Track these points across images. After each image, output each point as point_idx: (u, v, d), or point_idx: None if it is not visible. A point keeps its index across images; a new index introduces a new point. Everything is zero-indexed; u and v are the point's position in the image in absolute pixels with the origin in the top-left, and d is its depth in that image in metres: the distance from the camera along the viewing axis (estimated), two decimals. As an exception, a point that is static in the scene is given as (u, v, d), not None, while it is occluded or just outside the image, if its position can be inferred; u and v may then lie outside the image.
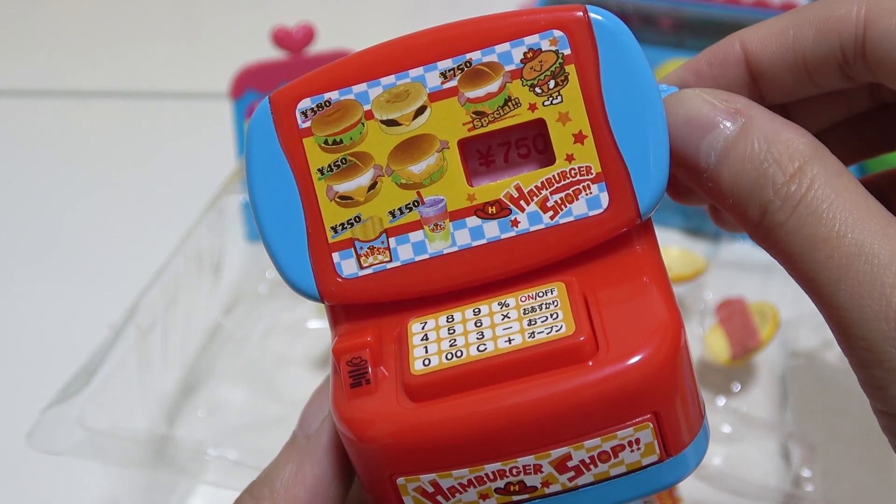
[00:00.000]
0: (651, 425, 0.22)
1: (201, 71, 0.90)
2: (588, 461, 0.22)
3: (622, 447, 0.22)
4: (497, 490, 0.23)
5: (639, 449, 0.22)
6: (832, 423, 0.48)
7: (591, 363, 0.22)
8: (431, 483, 0.23)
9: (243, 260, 0.62)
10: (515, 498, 0.23)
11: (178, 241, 0.53)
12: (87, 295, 0.62)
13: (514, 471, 0.22)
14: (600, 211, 0.24)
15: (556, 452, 0.22)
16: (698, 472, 0.43)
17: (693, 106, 0.24)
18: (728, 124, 0.23)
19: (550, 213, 0.24)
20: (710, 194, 0.24)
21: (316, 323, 0.57)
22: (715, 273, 0.56)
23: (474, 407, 0.22)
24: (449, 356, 0.23)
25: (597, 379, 0.22)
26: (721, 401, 0.51)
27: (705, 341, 0.52)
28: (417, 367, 0.23)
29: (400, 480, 0.23)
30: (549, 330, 0.23)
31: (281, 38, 0.60)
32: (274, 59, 0.61)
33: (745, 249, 0.60)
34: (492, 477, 0.23)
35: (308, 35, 0.61)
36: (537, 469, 0.22)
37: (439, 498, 0.23)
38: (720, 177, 0.23)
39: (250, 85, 0.61)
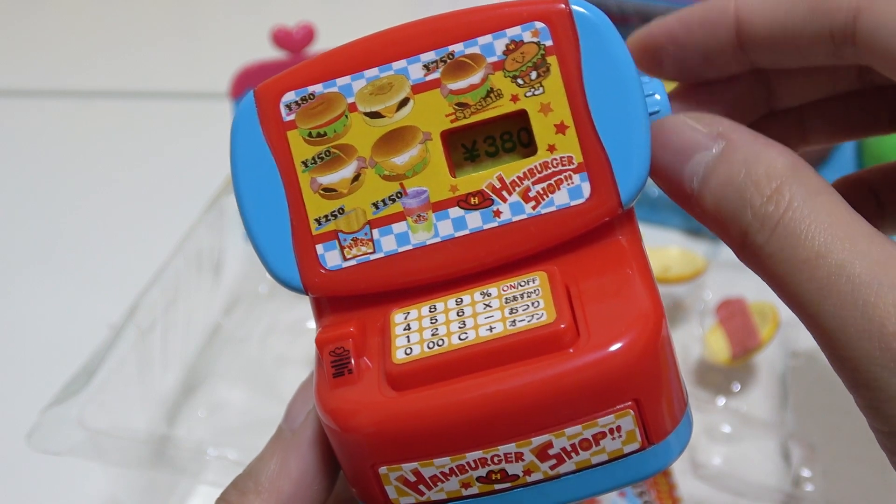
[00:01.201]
0: (632, 412, 0.22)
1: (201, 71, 0.90)
2: (569, 449, 0.22)
3: (603, 434, 0.22)
4: (479, 478, 0.23)
5: (620, 436, 0.22)
6: (832, 423, 0.48)
7: (571, 350, 0.22)
8: (413, 472, 0.23)
9: (243, 260, 0.62)
10: (497, 486, 0.23)
11: (178, 241, 0.53)
12: (87, 295, 0.62)
13: (496, 459, 0.22)
14: (582, 201, 0.24)
15: (538, 440, 0.22)
16: (698, 472, 0.43)
17: (676, 131, 0.24)
18: (710, 148, 0.23)
19: (533, 203, 0.25)
20: (698, 218, 0.24)
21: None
22: (715, 273, 0.56)
23: (456, 395, 0.22)
24: (430, 345, 0.23)
25: (578, 366, 0.22)
26: (721, 401, 0.51)
27: (705, 341, 0.52)
28: (399, 356, 0.23)
29: (382, 469, 0.23)
30: (531, 318, 0.23)
31: (281, 38, 0.61)
32: (274, 59, 0.61)
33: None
34: (473, 465, 0.23)
35: (308, 35, 0.61)
36: (519, 457, 0.22)
37: (421, 487, 0.23)
38: (703, 201, 0.23)
39: (250, 85, 0.61)
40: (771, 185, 0.22)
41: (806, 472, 0.44)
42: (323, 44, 0.62)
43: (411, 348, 0.23)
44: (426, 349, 0.23)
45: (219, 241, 0.58)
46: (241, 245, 0.63)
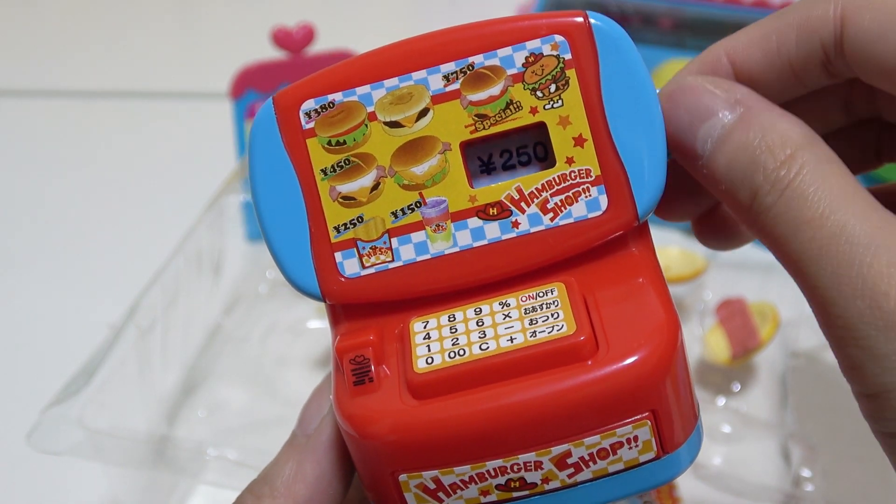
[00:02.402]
0: (649, 423, 0.22)
1: (201, 71, 0.90)
2: (587, 458, 0.23)
3: (621, 444, 0.23)
4: (498, 486, 0.23)
5: (637, 446, 0.23)
6: (832, 423, 0.48)
7: (590, 362, 0.22)
8: (433, 479, 0.23)
9: (243, 260, 0.62)
10: (516, 494, 0.23)
11: (178, 241, 0.53)
12: (87, 295, 0.62)
13: (515, 467, 0.23)
14: (599, 213, 0.25)
15: (557, 449, 0.22)
16: (698, 472, 0.43)
17: (694, 93, 0.25)
18: (726, 113, 0.24)
19: (550, 214, 0.25)
20: (704, 180, 0.25)
21: (316, 323, 0.57)
22: (715, 273, 0.56)
23: (477, 404, 0.22)
24: (451, 354, 0.23)
25: (597, 377, 0.22)
26: (721, 401, 0.51)
27: (705, 341, 0.52)
28: (420, 365, 0.23)
29: (402, 477, 0.23)
30: (551, 329, 0.23)
31: (281, 38, 0.61)
32: (274, 59, 0.61)
33: (745, 250, 0.59)
34: (493, 473, 0.23)
35: (308, 35, 0.61)
36: (538, 466, 0.23)
37: (440, 494, 0.23)
38: (715, 164, 0.24)
39: (250, 85, 0.61)
40: (785, 151, 0.23)
41: (806, 472, 0.44)
42: (323, 44, 0.62)
43: (432, 357, 0.23)
44: (447, 359, 0.23)
45: (219, 241, 0.58)
46: (242, 245, 0.63)
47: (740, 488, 0.43)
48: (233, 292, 0.60)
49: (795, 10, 0.26)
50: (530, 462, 0.23)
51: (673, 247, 0.56)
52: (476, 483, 0.23)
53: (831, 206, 0.22)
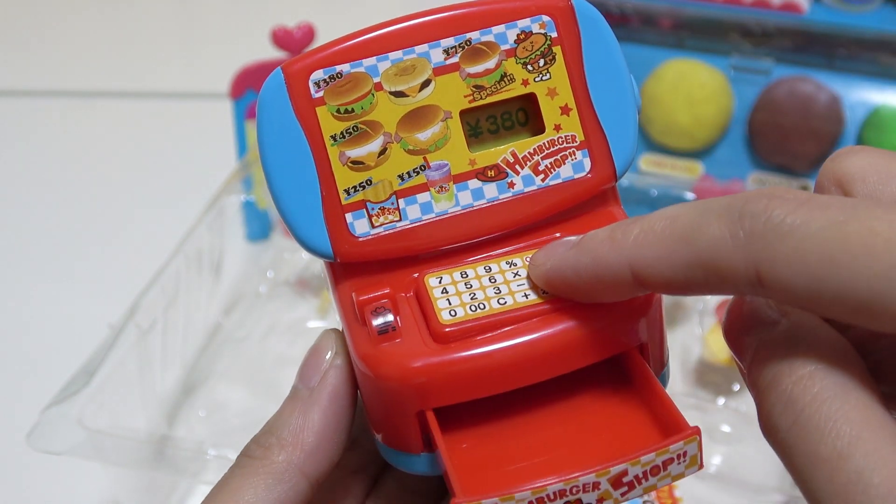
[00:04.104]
0: (697, 438, 0.24)
1: (201, 71, 0.90)
2: (641, 476, 0.24)
3: (671, 460, 0.24)
4: None
5: (685, 461, 0.24)
6: (832, 423, 0.48)
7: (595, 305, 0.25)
8: None
9: (243, 260, 0.62)
10: None
11: (178, 241, 0.53)
12: (87, 295, 0.62)
13: (574, 489, 0.24)
14: (584, 174, 0.28)
15: (616, 469, 0.23)
16: (698, 472, 0.43)
17: (749, 300, 0.24)
18: (775, 324, 0.23)
19: (542, 175, 0.28)
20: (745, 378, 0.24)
21: (316, 323, 0.57)
22: (715, 273, 0.56)
23: (500, 340, 0.25)
24: (473, 308, 0.26)
25: (602, 314, 0.25)
26: (721, 401, 0.51)
27: (705, 341, 0.52)
28: (445, 317, 0.25)
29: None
30: None
31: (281, 38, 0.61)
32: (274, 59, 0.61)
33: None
34: (552, 497, 0.23)
35: (308, 35, 0.61)
36: (595, 486, 0.24)
37: None
38: (752, 372, 0.23)
39: (250, 85, 0.61)
40: (806, 369, 0.21)
41: (806, 472, 0.44)
42: (322, 43, 0.62)
43: (455, 311, 0.26)
44: (469, 311, 0.26)
45: (219, 241, 0.58)
46: (242, 245, 0.63)
47: (740, 488, 0.43)
48: (233, 292, 0.60)
49: (704, 252, 0.22)
50: (589, 483, 0.24)
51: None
52: None
53: (850, 445, 0.20)
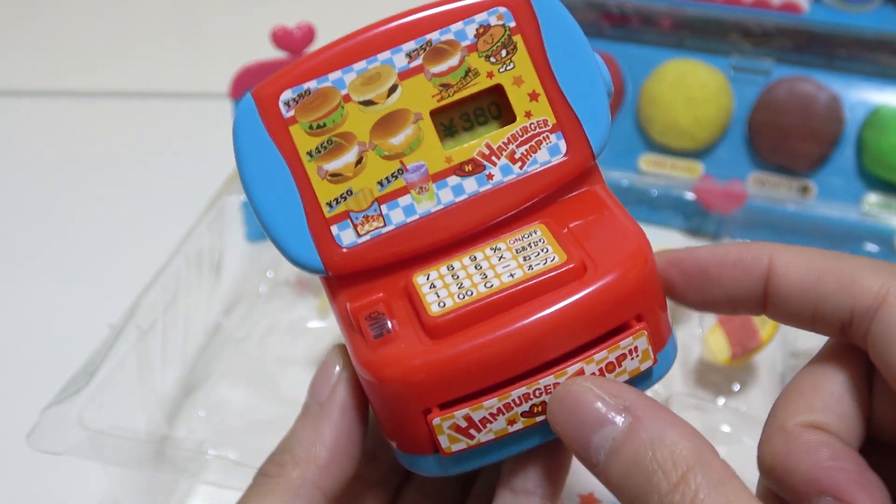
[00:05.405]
0: (646, 332, 0.25)
1: (201, 71, 0.90)
2: (597, 373, 0.25)
3: (624, 356, 0.25)
4: (523, 413, 0.25)
5: (637, 356, 0.25)
6: (832, 423, 0.48)
7: (585, 280, 0.25)
8: (465, 417, 0.25)
9: (243, 260, 0.62)
10: (538, 419, 0.25)
11: (178, 241, 0.53)
12: (87, 295, 0.62)
13: (537, 392, 0.25)
14: (561, 156, 0.28)
15: (572, 369, 0.25)
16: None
17: (582, 401, 0.24)
18: (618, 421, 0.23)
19: (519, 163, 0.28)
20: (605, 485, 0.24)
21: (316, 323, 0.57)
22: (715, 273, 0.56)
23: (495, 329, 0.25)
24: (460, 296, 0.26)
25: (596, 289, 0.25)
26: (721, 401, 0.51)
27: (705, 341, 0.52)
28: (434, 309, 0.26)
29: (436, 421, 0.25)
30: (545, 262, 0.26)
31: (281, 38, 0.60)
32: (274, 59, 0.61)
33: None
34: (518, 402, 0.25)
35: (308, 35, 0.61)
36: (556, 387, 0.25)
37: (472, 431, 0.25)
38: (609, 475, 0.23)
39: (250, 85, 0.61)
40: (677, 472, 0.22)
41: (806, 472, 0.44)
42: (322, 44, 0.62)
43: (443, 302, 0.26)
44: (457, 300, 0.26)
45: (219, 241, 0.58)
46: (242, 245, 0.63)
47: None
48: (233, 292, 0.60)
49: (846, 267, 0.25)
50: (550, 385, 0.25)
51: (673, 247, 0.56)
52: (503, 413, 0.25)
53: None
